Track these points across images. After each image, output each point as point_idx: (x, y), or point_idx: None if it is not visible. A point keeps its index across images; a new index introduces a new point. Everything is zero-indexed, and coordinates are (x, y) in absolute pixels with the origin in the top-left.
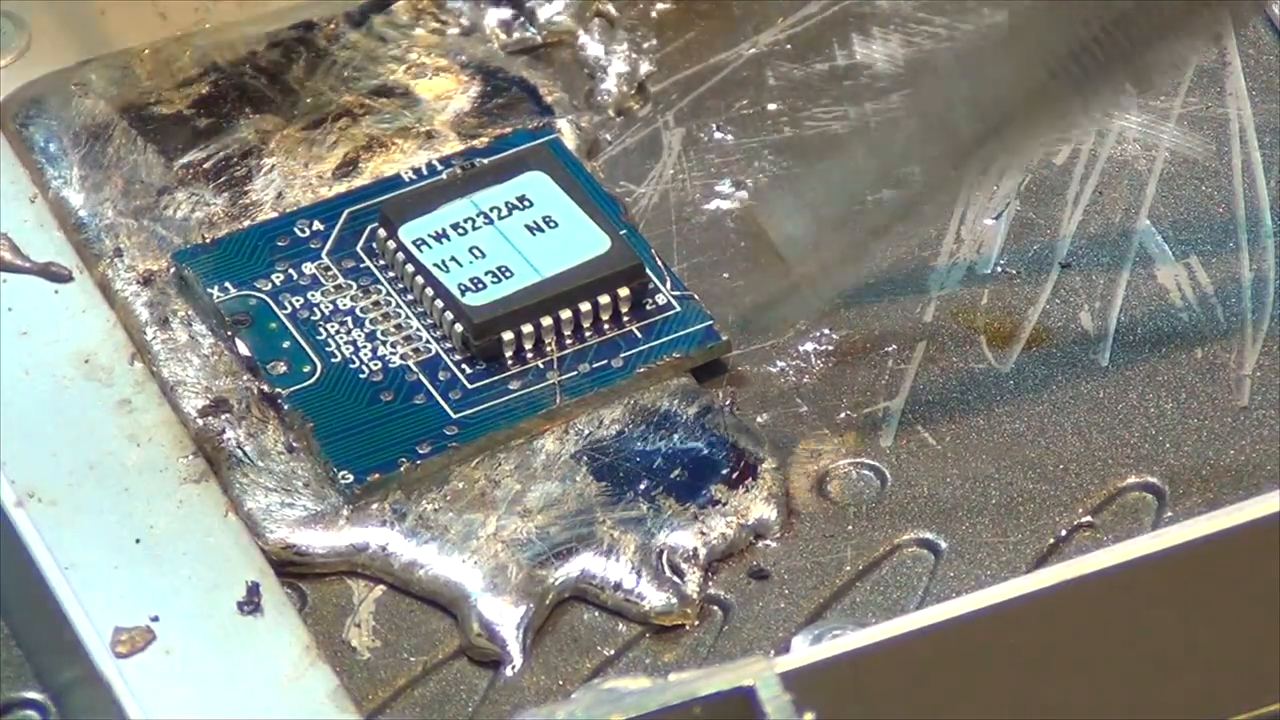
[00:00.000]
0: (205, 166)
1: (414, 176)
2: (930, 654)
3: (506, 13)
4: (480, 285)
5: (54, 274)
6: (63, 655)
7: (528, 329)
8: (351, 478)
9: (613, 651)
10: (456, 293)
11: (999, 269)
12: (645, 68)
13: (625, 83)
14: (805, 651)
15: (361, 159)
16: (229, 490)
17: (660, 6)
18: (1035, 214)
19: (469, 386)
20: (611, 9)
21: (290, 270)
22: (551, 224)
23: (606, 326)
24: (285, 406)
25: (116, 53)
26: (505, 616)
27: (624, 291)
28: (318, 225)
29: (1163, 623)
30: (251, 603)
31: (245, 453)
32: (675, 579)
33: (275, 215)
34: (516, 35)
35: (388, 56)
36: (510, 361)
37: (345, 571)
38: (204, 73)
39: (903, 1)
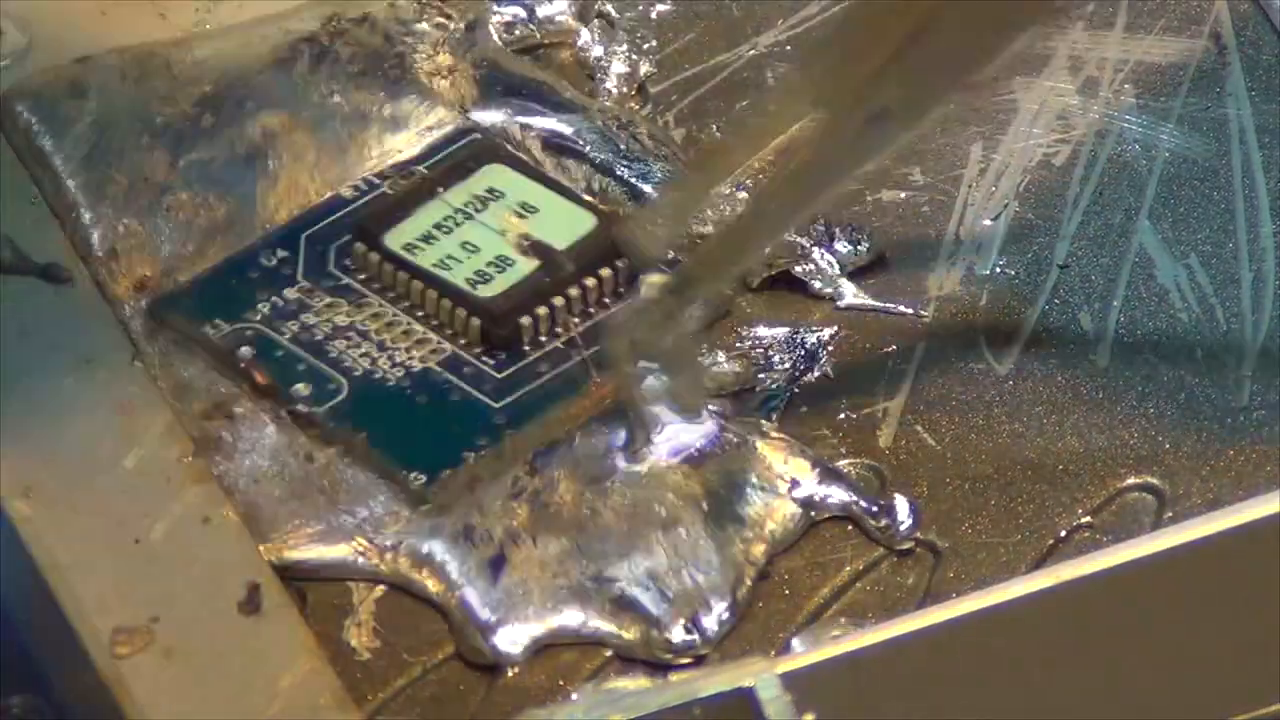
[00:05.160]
0: (208, 168)
1: (355, 194)
2: (930, 654)
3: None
4: (487, 278)
5: (54, 274)
6: (63, 655)
7: (543, 311)
8: (425, 478)
9: (612, 651)
10: (467, 288)
11: (998, 269)
12: (645, 69)
13: (625, 83)
14: (805, 651)
15: (368, 156)
16: (230, 494)
17: (660, 7)
18: (1034, 215)
19: (498, 376)
20: (611, 9)
21: (274, 298)
22: (532, 209)
23: (609, 300)
24: (329, 425)
25: (117, 53)
26: (515, 640)
27: (621, 264)
28: (281, 253)
29: (1163, 623)
30: (251, 603)
31: (248, 457)
32: (699, 616)
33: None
34: (518, 33)
35: (392, 54)
36: (528, 347)
37: (349, 578)
38: (206, 73)
39: None
